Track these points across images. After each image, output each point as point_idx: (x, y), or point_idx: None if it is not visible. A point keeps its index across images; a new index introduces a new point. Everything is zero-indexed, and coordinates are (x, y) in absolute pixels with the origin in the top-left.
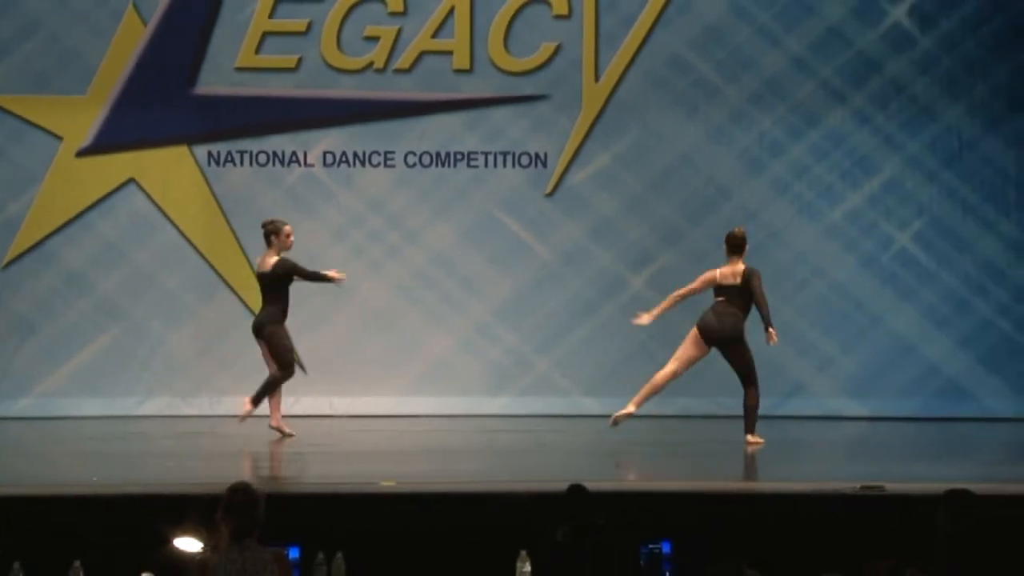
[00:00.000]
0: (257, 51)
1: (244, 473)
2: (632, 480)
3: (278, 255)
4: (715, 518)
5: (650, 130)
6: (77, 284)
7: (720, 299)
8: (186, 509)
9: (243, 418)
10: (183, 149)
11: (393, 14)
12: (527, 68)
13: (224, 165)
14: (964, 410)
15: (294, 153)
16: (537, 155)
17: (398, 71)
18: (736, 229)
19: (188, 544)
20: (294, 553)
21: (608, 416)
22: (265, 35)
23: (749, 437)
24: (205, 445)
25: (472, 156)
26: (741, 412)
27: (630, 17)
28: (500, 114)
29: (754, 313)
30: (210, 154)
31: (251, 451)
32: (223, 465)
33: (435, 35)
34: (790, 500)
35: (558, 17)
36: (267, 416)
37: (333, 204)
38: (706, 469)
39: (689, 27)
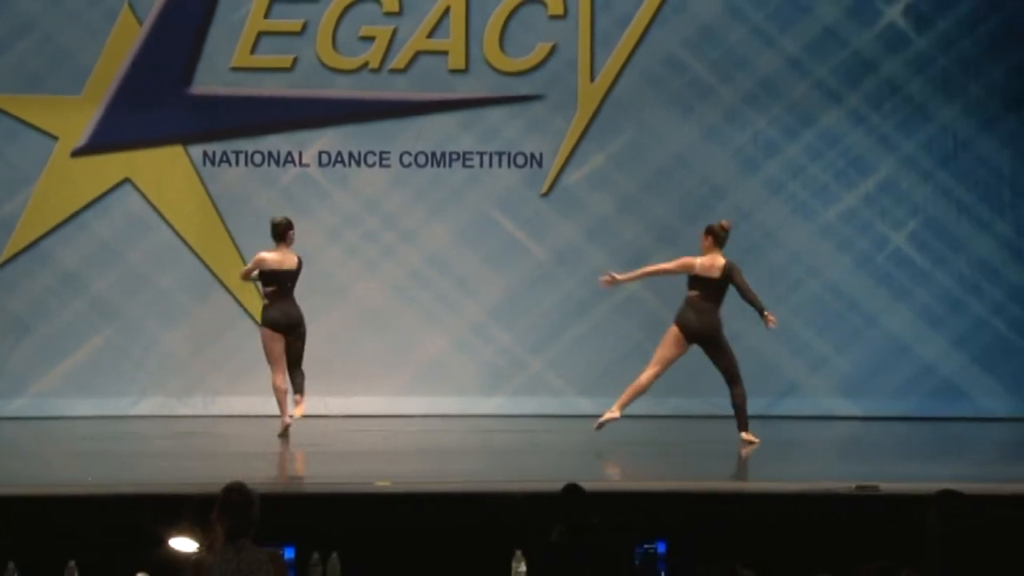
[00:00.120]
0: (252, 51)
1: (239, 473)
2: (627, 480)
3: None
4: (709, 518)
5: (645, 130)
6: (72, 284)
7: (694, 292)
8: (181, 509)
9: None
10: (178, 149)
11: (388, 14)
12: (522, 68)
13: (219, 165)
14: (958, 410)
15: (289, 153)
16: (532, 155)
17: (393, 71)
18: (723, 221)
19: (183, 544)
20: (289, 553)
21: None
22: (260, 35)
23: (743, 435)
24: (200, 445)
25: (467, 156)
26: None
27: (625, 17)
28: (495, 114)
29: (743, 307)
30: (205, 154)
31: (246, 451)
32: (218, 465)
33: (430, 35)
34: (784, 500)
35: (553, 17)
36: (267, 416)
37: (328, 204)
38: (700, 469)
39: (684, 27)
